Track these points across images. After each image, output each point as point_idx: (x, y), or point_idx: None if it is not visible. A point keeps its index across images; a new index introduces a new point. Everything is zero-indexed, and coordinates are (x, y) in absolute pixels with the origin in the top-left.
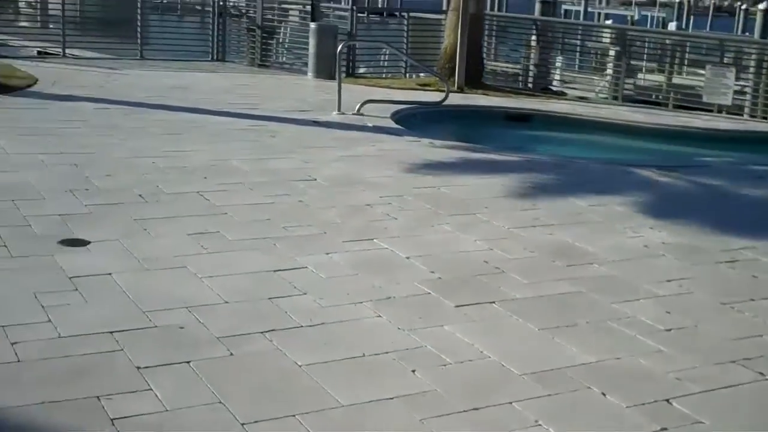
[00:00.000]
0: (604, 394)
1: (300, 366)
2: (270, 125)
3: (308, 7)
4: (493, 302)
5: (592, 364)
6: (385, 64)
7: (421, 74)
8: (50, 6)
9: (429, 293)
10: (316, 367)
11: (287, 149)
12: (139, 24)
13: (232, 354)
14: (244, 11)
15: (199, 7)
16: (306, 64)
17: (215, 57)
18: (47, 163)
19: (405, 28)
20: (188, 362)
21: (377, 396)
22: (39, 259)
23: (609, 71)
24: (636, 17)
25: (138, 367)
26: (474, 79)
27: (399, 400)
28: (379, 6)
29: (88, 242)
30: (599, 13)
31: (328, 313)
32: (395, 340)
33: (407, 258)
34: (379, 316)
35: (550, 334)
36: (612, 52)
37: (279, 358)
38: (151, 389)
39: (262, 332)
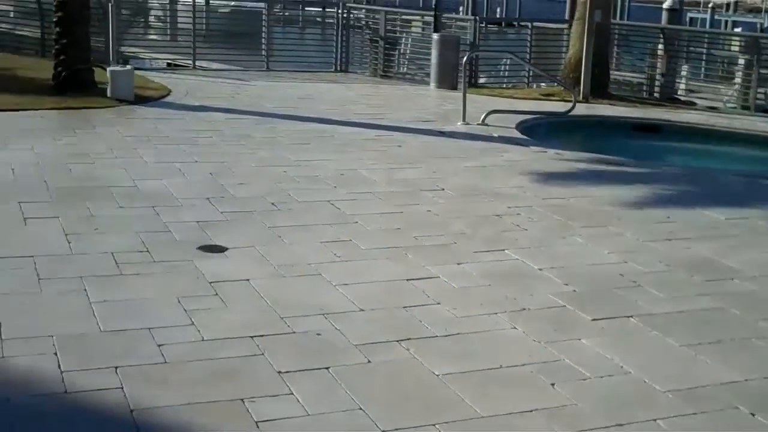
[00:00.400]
0: (753, 414)
1: (437, 375)
2: (396, 135)
3: (428, 18)
4: (631, 316)
5: (738, 383)
6: (506, 74)
7: (542, 84)
8: (179, 20)
9: (564, 306)
10: (454, 377)
11: (414, 159)
12: (264, 36)
13: (369, 361)
14: (366, 23)
15: (319, 20)
16: (428, 75)
17: (339, 68)
18: (184, 171)
19: (528, 38)
20: (327, 368)
21: (516, 408)
22: (180, 264)
23: (737, 80)
24: (766, 24)
25: (279, 372)
26: (599, 89)
27: (539, 413)
28: (497, 16)
29: (226, 248)
30: (726, 21)
31: (463, 323)
32: (532, 353)
33: (540, 269)
34: (515, 327)
35: (693, 350)
36: (741, 61)
37: (416, 367)
38: (292, 393)
39: (398, 340)
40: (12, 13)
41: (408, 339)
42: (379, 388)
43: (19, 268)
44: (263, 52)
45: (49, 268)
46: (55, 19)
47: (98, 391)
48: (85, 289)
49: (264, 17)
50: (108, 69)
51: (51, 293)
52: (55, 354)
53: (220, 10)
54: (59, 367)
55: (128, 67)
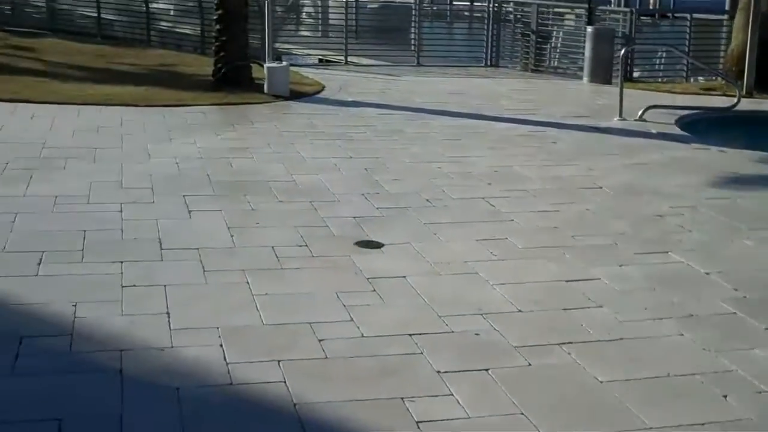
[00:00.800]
0: None
1: (601, 382)
2: (550, 131)
3: (580, 11)
4: None
5: None
6: (662, 68)
7: (700, 78)
8: (330, 16)
9: (734, 313)
10: (618, 384)
11: (569, 156)
12: (414, 31)
13: (530, 365)
14: (516, 16)
15: (467, 13)
16: (580, 69)
17: (489, 62)
18: (339, 167)
19: (686, 29)
20: (487, 370)
21: (687, 420)
22: (338, 259)
23: None
24: None
25: (438, 372)
26: (764, 83)
27: (712, 427)
28: (650, 8)
29: (382, 244)
30: None
31: (627, 328)
32: (701, 362)
33: (707, 274)
34: (681, 334)
35: None
36: None
37: (578, 372)
38: (452, 394)
39: (559, 344)
40: (172, 11)
41: (570, 343)
42: (540, 392)
43: (186, 260)
44: (413, 47)
45: (214, 260)
46: (215, 17)
47: (262, 384)
48: (248, 282)
49: (414, 12)
50: (265, 65)
51: (216, 285)
52: (221, 345)
53: (370, 6)
54: (224, 358)
55: (284, 63)
